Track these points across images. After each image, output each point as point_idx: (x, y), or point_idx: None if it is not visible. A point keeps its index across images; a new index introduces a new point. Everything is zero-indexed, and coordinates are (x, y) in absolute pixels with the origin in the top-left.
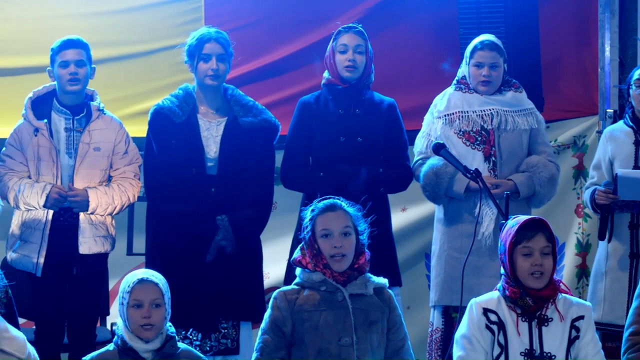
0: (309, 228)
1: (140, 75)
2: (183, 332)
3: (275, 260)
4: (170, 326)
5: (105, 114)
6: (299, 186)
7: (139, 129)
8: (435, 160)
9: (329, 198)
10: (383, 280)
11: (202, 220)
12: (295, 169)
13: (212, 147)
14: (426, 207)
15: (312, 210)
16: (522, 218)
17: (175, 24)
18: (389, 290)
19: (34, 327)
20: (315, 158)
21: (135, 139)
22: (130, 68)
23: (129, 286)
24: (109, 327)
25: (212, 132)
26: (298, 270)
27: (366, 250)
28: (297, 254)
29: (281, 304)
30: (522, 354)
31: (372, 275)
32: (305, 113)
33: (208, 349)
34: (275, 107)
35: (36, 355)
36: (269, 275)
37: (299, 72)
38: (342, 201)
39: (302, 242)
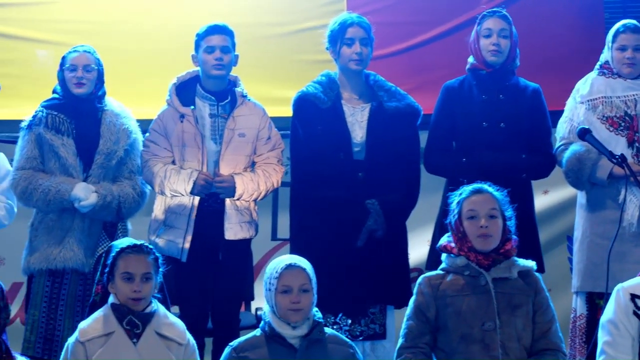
0: (455, 211)
1: (282, 56)
2: (332, 318)
3: (415, 243)
4: (317, 312)
5: (249, 100)
6: (441, 171)
7: (282, 110)
8: (577, 146)
9: (477, 183)
10: (530, 263)
11: (351, 205)
12: (437, 154)
13: (357, 132)
14: (568, 190)
15: (460, 194)
16: None
17: (316, 5)
18: (536, 274)
19: (179, 311)
20: (458, 143)
21: (278, 119)
22: (273, 49)
23: (276, 272)
24: (253, 312)
25: (356, 118)
26: (443, 256)
27: (514, 237)
28: (443, 240)
29: (425, 290)
30: None
31: (518, 259)
32: (448, 98)
33: (358, 334)
34: (417, 90)
35: (194, 342)
36: (410, 256)
37: (441, 54)
38: (489, 186)
39: (449, 228)
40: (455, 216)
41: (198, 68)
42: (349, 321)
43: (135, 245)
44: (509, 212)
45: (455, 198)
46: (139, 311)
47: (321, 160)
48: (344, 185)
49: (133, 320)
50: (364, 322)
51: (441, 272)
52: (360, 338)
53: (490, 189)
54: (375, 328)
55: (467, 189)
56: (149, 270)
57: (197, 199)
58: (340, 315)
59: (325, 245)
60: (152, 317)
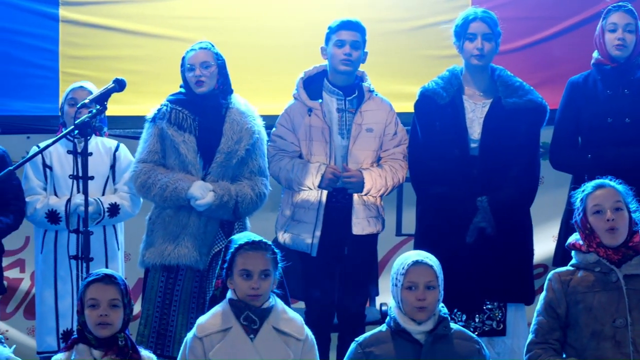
0: (580, 209)
1: (408, 52)
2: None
3: (541, 239)
4: (442, 307)
5: (376, 95)
6: (567, 167)
7: (407, 105)
8: None
9: (598, 178)
10: None
11: (463, 202)
12: (563, 150)
13: (476, 129)
14: None
15: (582, 191)
16: None
17: (442, 0)
18: None
19: (304, 307)
20: (584, 139)
21: (404, 114)
22: (399, 44)
23: (403, 268)
24: (377, 307)
25: (476, 114)
26: (573, 252)
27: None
28: (572, 238)
29: (555, 286)
30: None
31: None
32: (573, 93)
33: (472, 329)
34: (542, 85)
35: (312, 337)
36: (535, 252)
37: (566, 49)
38: (611, 180)
39: (575, 227)
40: (580, 214)
41: (326, 62)
42: (464, 317)
43: (253, 242)
44: (634, 205)
45: (578, 196)
46: (257, 307)
47: (437, 157)
48: (458, 182)
49: (250, 316)
50: (479, 318)
51: (571, 268)
52: (475, 334)
53: (613, 183)
54: (492, 324)
55: (589, 185)
56: (267, 267)
57: (325, 193)
58: (455, 310)
59: (440, 241)
60: (269, 312)
